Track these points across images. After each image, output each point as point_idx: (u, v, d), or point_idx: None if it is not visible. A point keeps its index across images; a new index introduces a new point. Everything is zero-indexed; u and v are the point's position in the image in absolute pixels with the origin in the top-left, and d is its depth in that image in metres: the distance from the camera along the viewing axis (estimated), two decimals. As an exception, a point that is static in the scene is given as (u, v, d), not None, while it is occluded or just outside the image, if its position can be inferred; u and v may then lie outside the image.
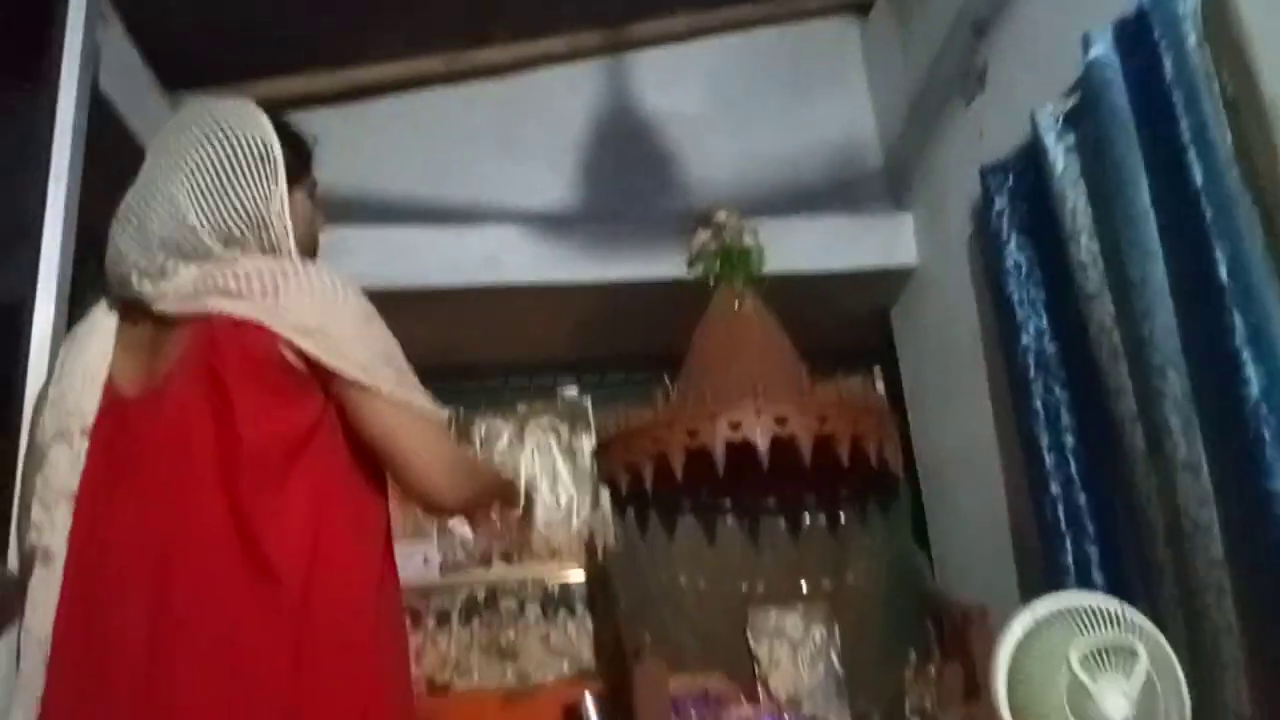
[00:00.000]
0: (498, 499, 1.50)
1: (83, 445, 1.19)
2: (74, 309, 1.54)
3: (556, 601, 2.97)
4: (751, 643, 2.35)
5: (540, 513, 1.72)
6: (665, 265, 2.54)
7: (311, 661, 1.08)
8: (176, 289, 1.19)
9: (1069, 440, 1.96)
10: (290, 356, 1.15)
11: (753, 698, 2.23)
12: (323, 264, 1.28)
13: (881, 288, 2.86)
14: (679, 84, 2.94)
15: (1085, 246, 1.83)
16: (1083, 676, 1.01)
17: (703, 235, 2.45)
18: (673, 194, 2.80)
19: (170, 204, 1.20)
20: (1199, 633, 1.55)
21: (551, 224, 2.67)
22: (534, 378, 3.20)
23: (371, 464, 1.23)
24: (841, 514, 2.51)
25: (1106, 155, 1.75)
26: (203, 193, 1.20)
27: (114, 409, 1.20)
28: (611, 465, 2.31)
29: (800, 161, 2.93)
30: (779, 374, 2.25)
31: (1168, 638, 1.36)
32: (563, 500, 3.09)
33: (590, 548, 3.00)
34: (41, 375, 1.37)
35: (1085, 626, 1.03)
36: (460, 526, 2.99)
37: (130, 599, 1.09)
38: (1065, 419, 1.98)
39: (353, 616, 1.14)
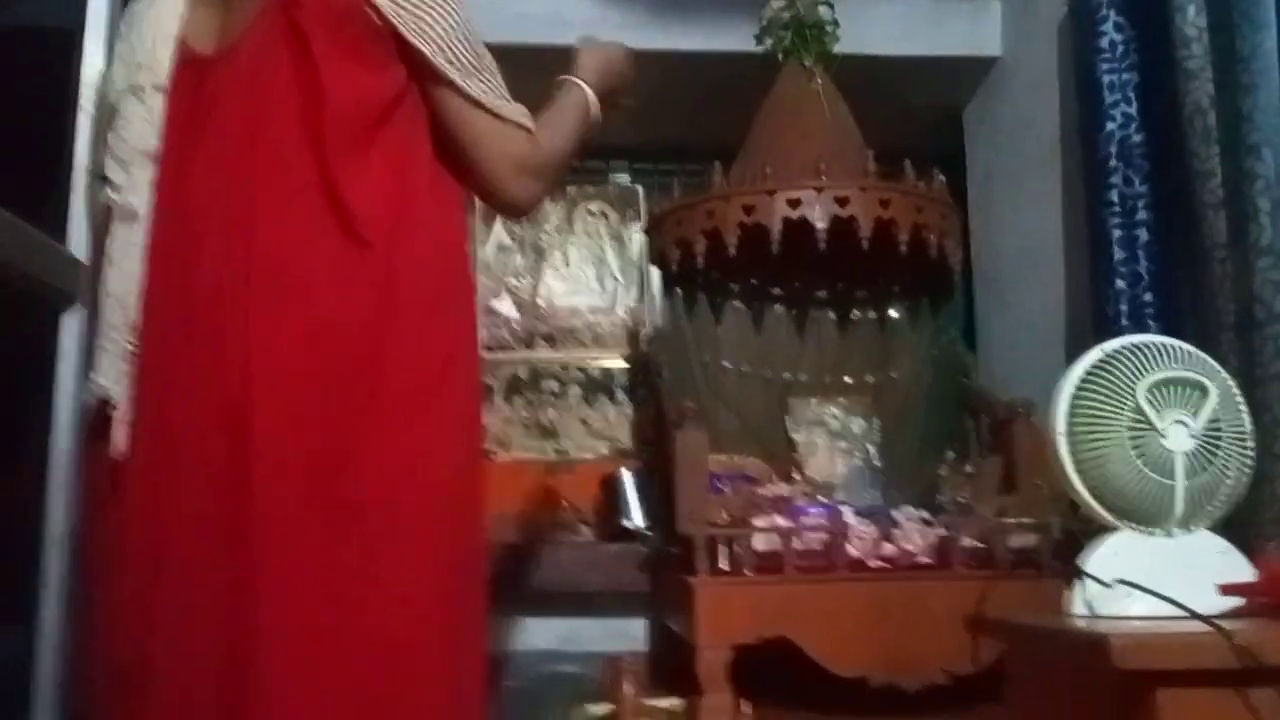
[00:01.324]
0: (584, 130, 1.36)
1: (156, 101, 1.13)
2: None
3: (597, 386, 2.99)
4: (790, 429, 2.36)
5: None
6: (733, 38, 2.41)
7: (393, 316, 1.06)
8: None
9: (1141, 234, 1.90)
10: (374, 17, 1.09)
11: (787, 480, 2.25)
12: None
13: (959, 80, 2.72)
14: None
15: (1192, 20, 1.71)
16: (1148, 409, 0.97)
17: (775, 5, 2.31)
18: (747, -37, 2.63)
19: None
20: (1259, 425, 1.50)
21: (619, -14, 2.53)
22: (586, 161, 3.12)
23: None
24: (891, 310, 2.46)
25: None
26: None
27: (190, 68, 1.15)
28: (663, 241, 2.26)
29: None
30: (844, 155, 2.17)
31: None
32: (608, 287, 3.08)
33: (634, 335, 3.00)
34: (91, 102, 1.32)
35: (1155, 362, 0.99)
36: (504, 306, 3.01)
37: (215, 254, 1.07)
38: (1141, 213, 1.91)
39: (438, 279, 1.12)
